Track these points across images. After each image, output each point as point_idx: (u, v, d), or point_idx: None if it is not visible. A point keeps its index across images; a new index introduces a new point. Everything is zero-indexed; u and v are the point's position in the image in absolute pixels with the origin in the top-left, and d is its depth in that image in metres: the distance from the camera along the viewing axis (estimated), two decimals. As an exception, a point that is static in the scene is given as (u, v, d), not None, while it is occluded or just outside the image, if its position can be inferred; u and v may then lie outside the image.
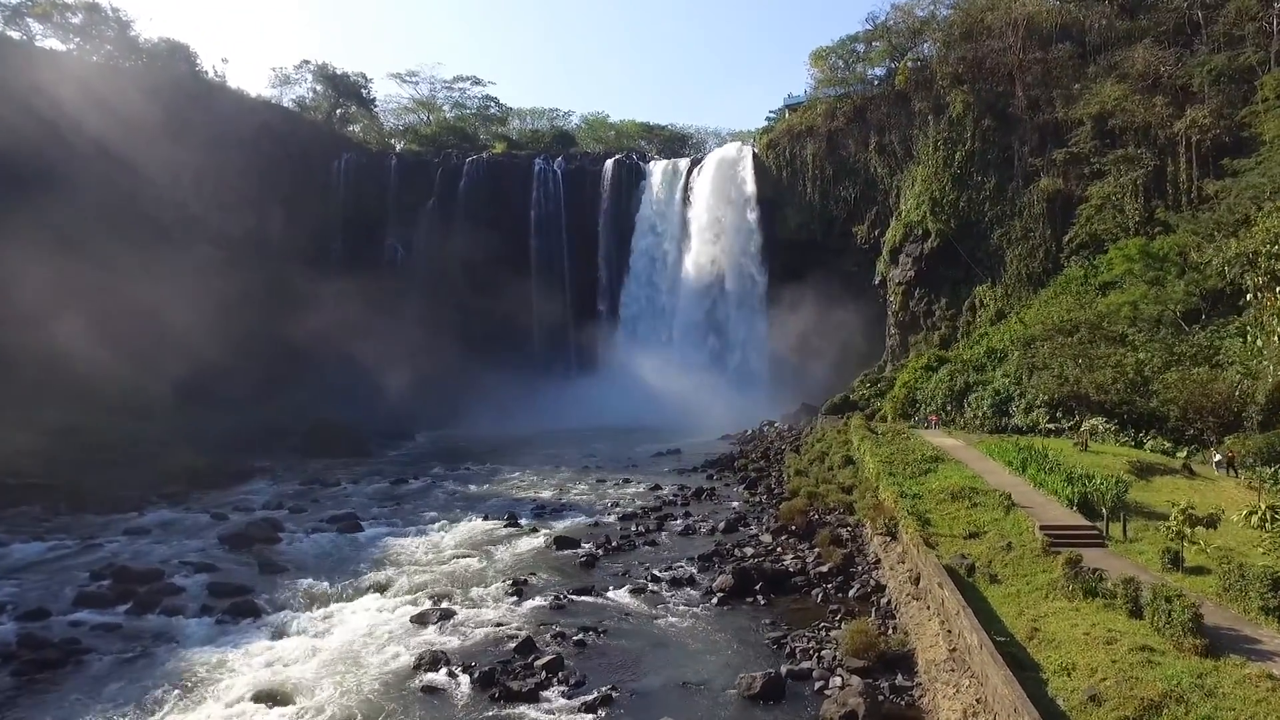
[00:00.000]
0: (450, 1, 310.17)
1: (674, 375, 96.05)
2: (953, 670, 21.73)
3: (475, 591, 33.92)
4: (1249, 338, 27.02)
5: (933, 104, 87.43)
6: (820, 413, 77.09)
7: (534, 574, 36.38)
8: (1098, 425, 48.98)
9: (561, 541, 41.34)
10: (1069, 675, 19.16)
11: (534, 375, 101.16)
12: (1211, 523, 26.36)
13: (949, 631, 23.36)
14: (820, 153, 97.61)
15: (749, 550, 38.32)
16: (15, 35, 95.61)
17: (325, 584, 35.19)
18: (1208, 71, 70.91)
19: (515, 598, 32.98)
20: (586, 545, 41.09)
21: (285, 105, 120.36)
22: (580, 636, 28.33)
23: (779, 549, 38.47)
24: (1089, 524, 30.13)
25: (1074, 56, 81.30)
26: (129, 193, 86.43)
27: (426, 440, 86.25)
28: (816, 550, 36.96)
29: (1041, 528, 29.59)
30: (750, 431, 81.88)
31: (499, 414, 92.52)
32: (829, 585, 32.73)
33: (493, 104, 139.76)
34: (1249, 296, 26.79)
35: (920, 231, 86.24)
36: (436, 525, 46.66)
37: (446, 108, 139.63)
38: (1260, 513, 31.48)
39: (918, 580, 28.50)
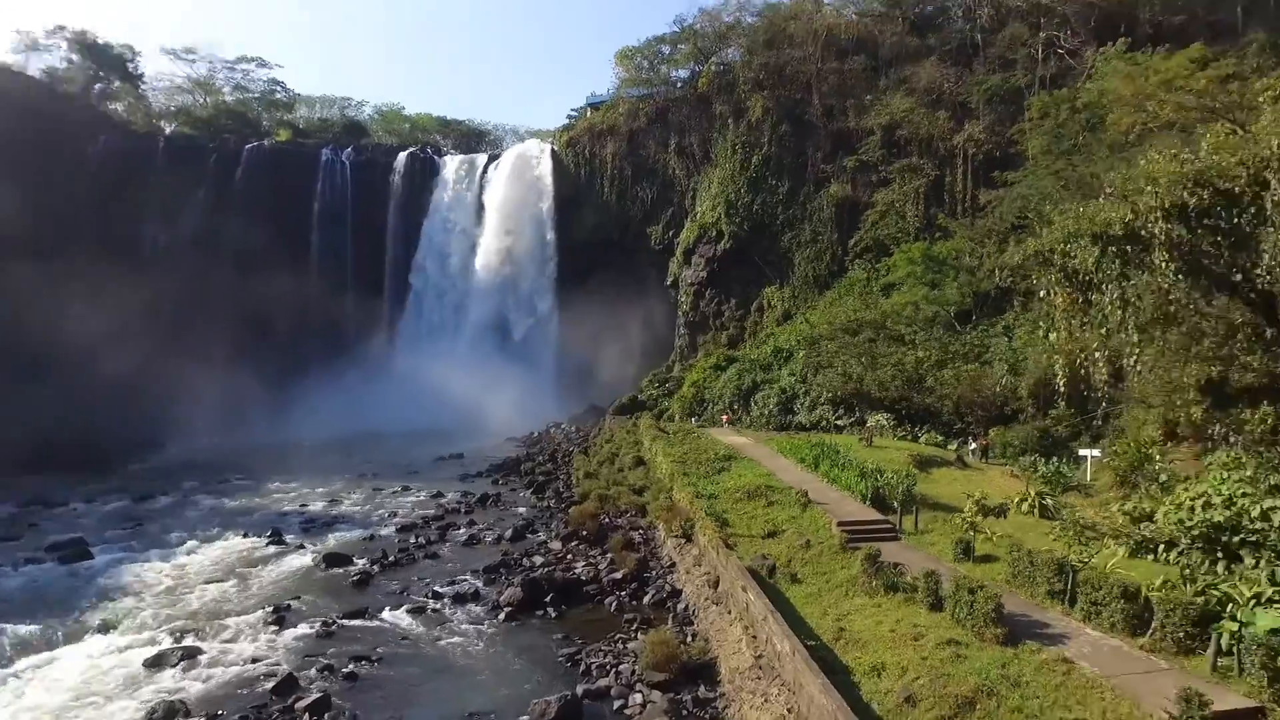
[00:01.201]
0: None
1: (460, 376, 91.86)
2: (759, 678, 20.01)
3: (228, 623, 29.20)
4: (1041, 332, 27.24)
5: (733, 108, 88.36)
6: (609, 413, 75.87)
7: (299, 598, 31.97)
8: (881, 421, 50.00)
9: (332, 559, 36.82)
10: (880, 676, 18.04)
11: (312, 377, 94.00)
12: (1001, 512, 26.31)
13: (754, 637, 21.68)
14: (620, 152, 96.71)
15: (538, 559, 35.54)
16: None
17: (36, 627, 29.30)
18: (983, 90, 75.30)
19: (276, 627, 28.64)
20: (360, 561, 36.91)
21: (32, 75, 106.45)
22: (351, 668, 24.76)
23: (570, 556, 35.96)
24: (883, 518, 29.67)
25: (868, 69, 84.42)
26: None
27: (183, 450, 76.75)
28: (609, 556, 34.77)
29: (839, 524, 28.81)
30: (537, 433, 79.36)
31: (271, 419, 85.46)
32: (623, 593, 30.57)
33: (279, 89, 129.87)
34: (1042, 294, 26.88)
35: (714, 233, 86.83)
36: (185, 547, 40.64)
37: (227, 90, 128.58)
38: (1030, 499, 32.42)
39: (717, 584, 26.87)
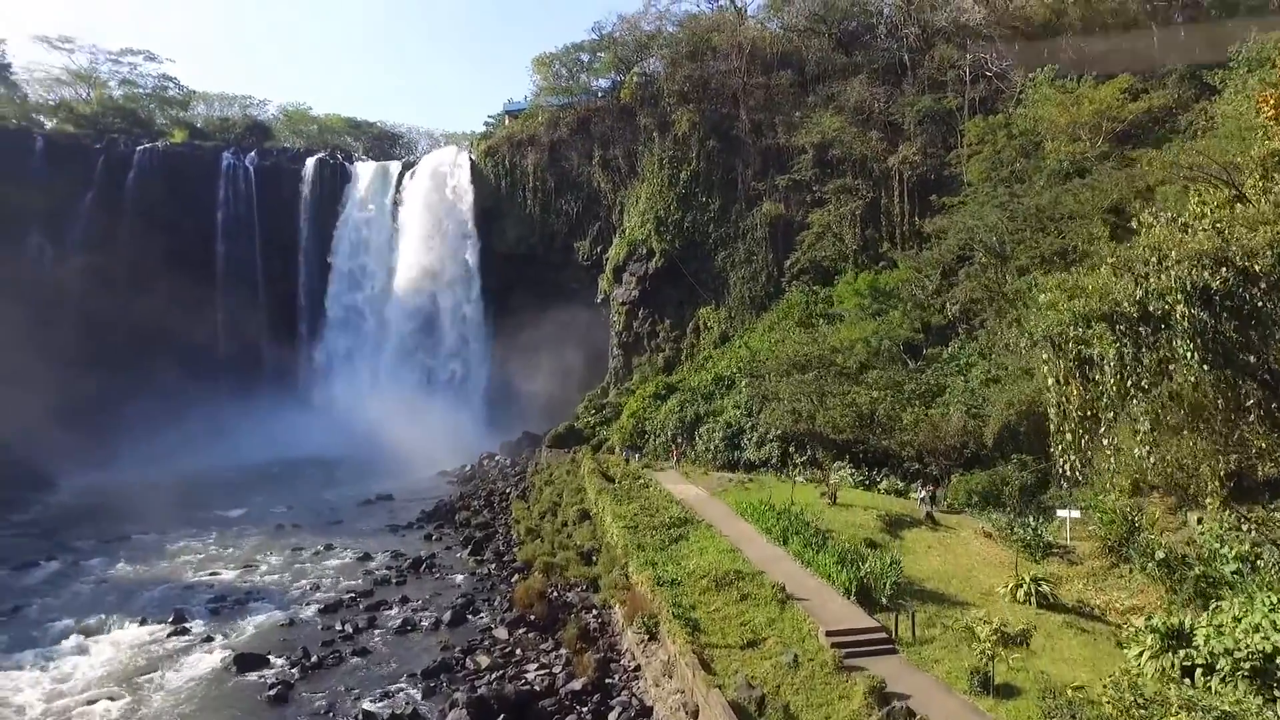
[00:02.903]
0: None
1: (383, 400, 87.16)
2: None
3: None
4: (1054, 435, 24.65)
5: (658, 121, 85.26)
6: (545, 444, 72.05)
7: (203, 724, 27.67)
8: (845, 475, 47.60)
9: (245, 661, 32.30)
10: None
11: (221, 402, 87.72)
12: (1024, 640, 23.73)
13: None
14: (542, 163, 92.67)
15: (483, 660, 31.56)
16: None
17: None
18: (915, 111, 73.86)
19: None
20: (279, 662, 32.56)
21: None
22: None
23: (519, 651, 32.37)
24: (875, 625, 26.84)
25: (795, 84, 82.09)
26: None
27: (74, 491, 69.67)
28: (564, 653, 31.34)
29: (827, 633, 25.91)
30: (470, 468, 74.98)
31: (177, 450, 79.03)
32: (584, 709, 27.20)
33: (171, 84, 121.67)
34: (1050, 383, 24.32)
35: (645, 250, 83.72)
36: (70, 644, 35.21)
37: (113, 84, 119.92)
38: (1025, 586, 30.23)
39: (696, 714, 23.74)
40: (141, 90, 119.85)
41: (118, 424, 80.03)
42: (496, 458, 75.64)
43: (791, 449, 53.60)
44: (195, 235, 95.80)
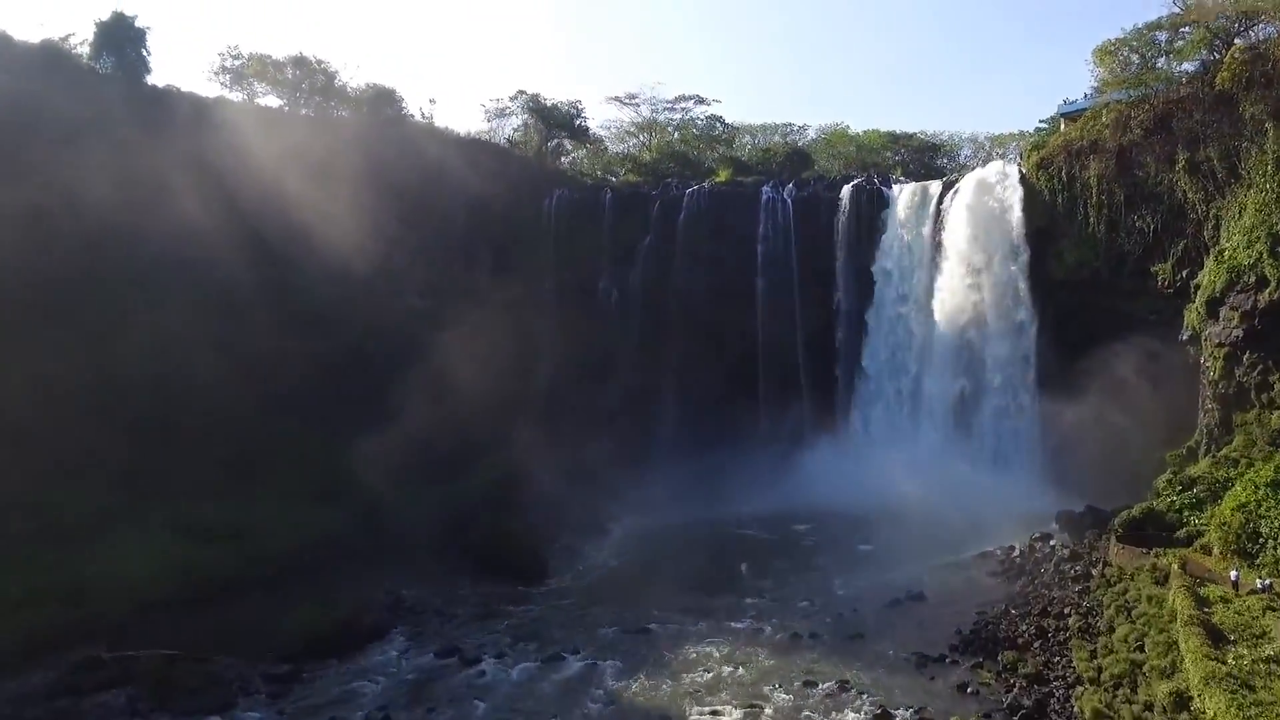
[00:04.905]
0: (669, 17, 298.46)
1: (919, 450, 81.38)
2: None
3: None
4: None
5: (1273, 106, 66.12)
6: (1113, 530, 59.10)
7: None
8: None
9: None
10: None
11: (758, 442, 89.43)
12: None
13: None
14: (1108, 173, 78.28)
15: None
16: (236, 97, 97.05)
17: None
18: None
19: None
20: None
21: (498, 143, 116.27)
22: None
23: None
24: None
25: None
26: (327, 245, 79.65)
27: (622, 537, 73.05)
28: None
29: None
30: (1018, 552, 63.68)
31: (714, 492, 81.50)
32: None
33: (718, 124, 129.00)
34: None
35: (1253, 278, 65.78)
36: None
37: (670, 129, 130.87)
38: None
39: None
40: (694, 132, 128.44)
41: (663, 466, 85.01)
42: (1053, 541, 63.74)
43: None
44: (736, 270, 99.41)
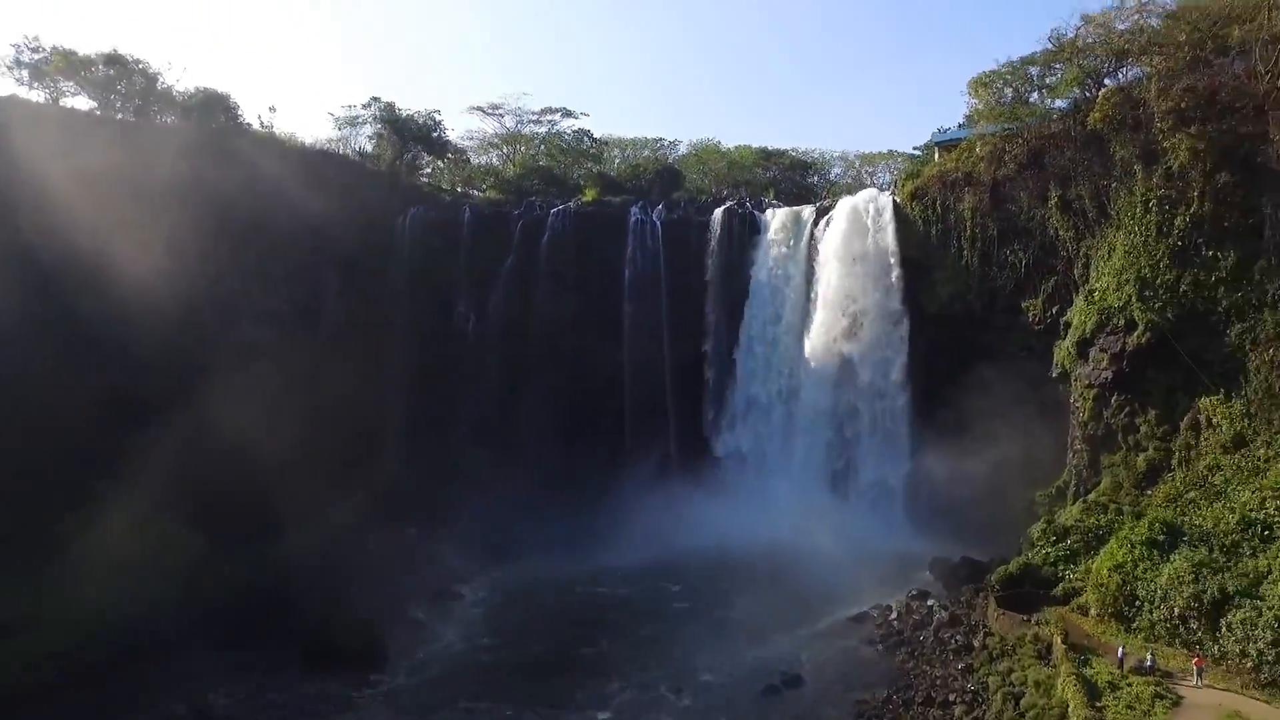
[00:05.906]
0: (537, 26, 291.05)
1: (789, 486, 78.01)
2: None
3: None
4: None
5: (1142, 149, 65.49)
6: (990, 588, 56.70)
7: None
8: None
9: None
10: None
11: (624, 480, 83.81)
12: None
13: None
14: (982, 207, 76.93)
15: None
16: (38, 96, 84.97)
17: None
18: None
19: None
20: None
21: (348, 155, 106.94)
22: None
23: None
24: None
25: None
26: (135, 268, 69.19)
27: (475, 603, 65.46)
28: None
29: None
30: (895, 614, 59.97)
31: (577, 539, 75.68)
32: None
33: (585, 138, 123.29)
34: None
35: (1122, 321, 64.97)
36: None
37: (536, 143, 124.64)
38: None
39: None
40: (561, 145, 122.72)
41: (522, 508, 78.87)
42: (930, 601, 60.32)
43: None
44: (602, 295, 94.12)
